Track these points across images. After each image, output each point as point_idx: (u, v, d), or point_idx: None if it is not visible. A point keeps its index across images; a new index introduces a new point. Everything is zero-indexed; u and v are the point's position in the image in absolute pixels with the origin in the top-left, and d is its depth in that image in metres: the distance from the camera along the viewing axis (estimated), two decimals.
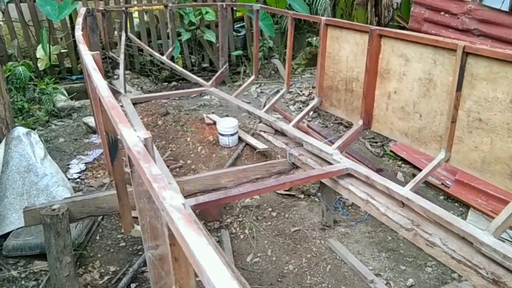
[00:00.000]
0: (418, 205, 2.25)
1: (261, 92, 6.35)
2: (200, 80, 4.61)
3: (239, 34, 7.91)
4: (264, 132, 3.65)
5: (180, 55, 7.05)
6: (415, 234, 2.23)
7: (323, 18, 3.22)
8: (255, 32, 4.06)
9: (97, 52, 1.91)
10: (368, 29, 2.79)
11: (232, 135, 4.38)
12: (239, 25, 8.08)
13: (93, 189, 3.99)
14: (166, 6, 4.77)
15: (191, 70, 7.38)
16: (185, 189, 2.86)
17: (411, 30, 4.63)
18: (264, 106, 5.61)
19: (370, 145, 4.78)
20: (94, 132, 5.00)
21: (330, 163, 2.93)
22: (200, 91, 4.46)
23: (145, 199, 1.29)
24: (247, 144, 4.48)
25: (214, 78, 4.53)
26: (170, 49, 4.95)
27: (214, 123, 4.99)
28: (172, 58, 7.16)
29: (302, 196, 3.92)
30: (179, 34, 7.16)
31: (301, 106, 5.77)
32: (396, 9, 4.90)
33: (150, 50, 5.36)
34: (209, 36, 7.01)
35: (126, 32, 5.00)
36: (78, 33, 2.61)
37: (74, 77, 6.75)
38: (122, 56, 4.56)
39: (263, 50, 6.72)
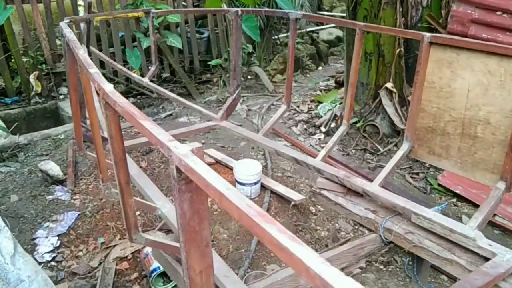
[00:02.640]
0: None
1: (249, 110, 5.27)
2: (208, 112, 3.44)
3: (202, 36, 6.71)
4: (328, 190, 2.63)
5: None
6: None
7: (427, 34, 2.25)
8: (290, 48, 2.98)
9: None
10: None
11: (255, 183, 3.30)
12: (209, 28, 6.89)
13: (81, 280, 2.71)
14: (147, 13, 3.51)
15: (151, 81, 6.07)
16: None
17: (450, 34, 3.84)
18: (260, 130, 4.58)
19: (411, 177, 3.94)
20: (57, 182, 3.64)
21: (465, 249, 2.00)
22: (209, 127, 3.30)
23: None
24: (273, 192, 3.42)
25: (224, 108, 3.39)
26: (152, 69, 3.69)
27: (217, 162, 3.85)
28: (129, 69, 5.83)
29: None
30: (134, 39, 5.81)
31: (305, 127, 4.80)
32: (425, 8, 4.08)
33: (124, 69, 4.03)
34: (174, 41, 5.75)
35: (88, 45, 3.65)
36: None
37: (9, 101, 5.16)
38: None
39: (242, 56, 5.61)
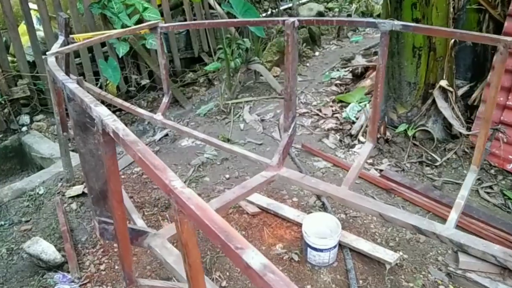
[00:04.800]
0: None
1: (262, 120, 4.40)
2: (258, 158, 2.57)
3: (180, 31, 5.65)
4: (473, 271, 1.91)
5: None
6: None
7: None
8: (383, 60, 2.15)
9: None
10: None
11: (335, 246, 2.52)
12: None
13: None
14: (153, 29, 2.54)
15: (127, 92, 5.03)
16: None
17: (510, 16, 3.18)
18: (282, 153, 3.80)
19: (486, 193, 3.32)
20: (54, 267, 2.69)
21: None
22: (267, 181, 2.43)
23: None
24: (351, 250, 2.67)
25: (280, 150, 2.54)
26: (165, 101, 2.75)
27: (263, 210, 3.03)
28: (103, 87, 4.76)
29: None
30: (103, 45, 4.70)
31: (339, 137, 4.02)
32: None
33: (139, 110, 3.02)
34: (153, 42, 4.69)
35: (68, 72, 2.64)
36: None
37: None
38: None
39: (239, 53, 4.68)
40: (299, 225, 2.91)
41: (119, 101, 2.89)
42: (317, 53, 6.13)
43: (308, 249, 2.52)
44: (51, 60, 2.00)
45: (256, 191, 2.49)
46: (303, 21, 2.36)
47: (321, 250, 2.49)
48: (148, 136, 4.52)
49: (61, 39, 2.80)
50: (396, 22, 2.06)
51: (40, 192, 3.38)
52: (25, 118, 4.31)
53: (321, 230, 2.60)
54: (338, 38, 6.87)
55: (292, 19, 2.26)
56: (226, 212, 3.04)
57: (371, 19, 2.12)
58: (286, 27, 2.27)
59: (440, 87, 3.51)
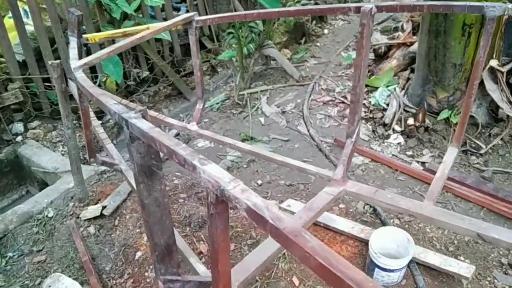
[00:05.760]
0: None
1: (283, 112, 4.00)
2: (319, 170, 2.19)
3: (178, 14, 5.15)
4: None
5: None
6: None
7: None
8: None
9: None
10: None
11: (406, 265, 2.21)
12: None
13: None
14: (188, 23, 2.12)
15: (126, 87, 4.58)
16: None
17: None
18: (320, 146, 3.45)
19: None
20: None
21: None
22: (334, 199, 2.06)
23: None
24: (419, 263, 2.36)
25: (343, 161, 2.15)
26: (199, 107, 2.35)
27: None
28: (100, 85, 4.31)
29: None
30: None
31: (371, 127, 3.67)
32: None
33: (177, 122, 2.59)
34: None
35: None
36: None
37: None
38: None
39: (252, 38, 4.24)
40: (354, 238, 2.59)
41: (153, 113, 2.47)
42: (326, 31, 5.70)
43: (376, 269, 2.20)
44: (81, 77, 1.58)
45: (326, 210, 2.13)
46: (382, 8, 1.95)
47: (391, 271, 2.17)
48: None
49: (73, 41, 2.36)
50: (510, 5, 1.68)
51: (50, 215, 2.97)
52: (19, 126, 3.84)
53: (387, 245, 2.29)
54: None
55: (368, 5, 1.86)
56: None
57: (475, 3, 1.72)
58: (362, 16, 1.87)
59: (490, 67, 3.16)
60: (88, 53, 4.09)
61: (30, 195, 3.73)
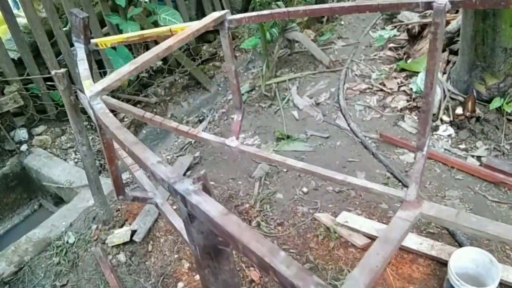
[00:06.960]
0: None
1: (317, 104, 3.59)
2: (392, 191, 1.83)
3: None
4: None
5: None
6: None
7: None
8: None
9: None
10: None
11: None
12: None
13: None
14: (219, 24, 1.73)
15: (139, 80, 4.16)
16: None
17: None
18: (364, 142, 3.10)
19: None
20: None
21: None
22: (411, 225, 1.72)
23: None
24: (500, 283, 2.05)
25: (416, 178, 1.78)
26: (238, 118, 1.97)
27: (372, 239, 2.34)
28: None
29: None
30: (103, 25, 3.73)
31: (416, 118, 3.31)
32: None
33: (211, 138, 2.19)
34: (170, 17, 3.76)
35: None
36: None
37: None
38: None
39: (275, 21, 3.80)
40: (424, 256, 2.28)
41: (184, 128, 2.07)
42: None
43: None
44: (102, 111, 1.20)
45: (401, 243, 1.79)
46: (458, 3, 1.56)
47: None
48: (174, 140, 3.71)
49: (79, 48, 1.94)
50: None
51: (71, 241, 2.60)
52: (22, 133, 3.42)
53: (464, 265, 1.99)
54: None
55: (441, 0, 1.47)
56: (327, 248, 2.35)
57: None
58: (434, 14, 1.49)
59: None
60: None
61: (44, 209, 3.37)
